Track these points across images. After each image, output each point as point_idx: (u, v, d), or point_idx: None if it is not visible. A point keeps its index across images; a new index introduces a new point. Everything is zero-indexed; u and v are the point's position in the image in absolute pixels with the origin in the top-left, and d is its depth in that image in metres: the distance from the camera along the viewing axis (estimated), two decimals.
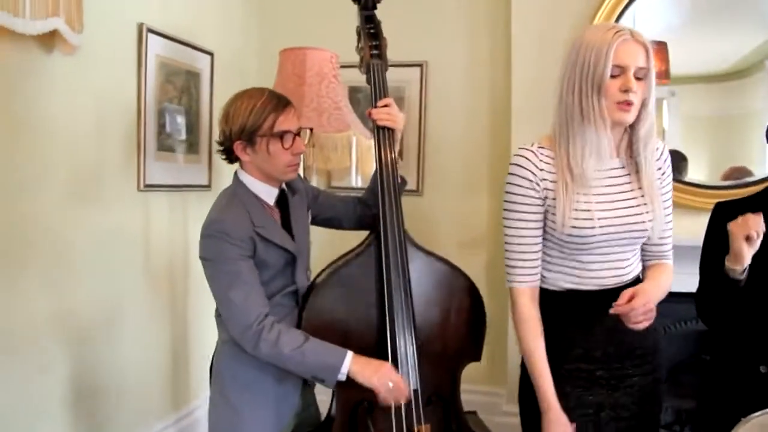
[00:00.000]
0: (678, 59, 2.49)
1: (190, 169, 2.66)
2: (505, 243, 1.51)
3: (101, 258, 2.21)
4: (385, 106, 1.71)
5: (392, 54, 2.90)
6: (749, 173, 2.44)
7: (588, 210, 1.43)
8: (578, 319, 1.50)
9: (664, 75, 2.52)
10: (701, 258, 1.75)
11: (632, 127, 1.46)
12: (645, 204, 1.46)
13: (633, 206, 1.46)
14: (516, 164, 1.47)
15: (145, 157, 2.38)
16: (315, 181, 2.58)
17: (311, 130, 1.83)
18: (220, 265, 1.54)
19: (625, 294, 1.36)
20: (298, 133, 1.64)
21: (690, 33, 2.52)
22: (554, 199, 1.45)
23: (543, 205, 1.47)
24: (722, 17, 2.45)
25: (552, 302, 1.52)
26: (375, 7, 1.78)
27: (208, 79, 2.75)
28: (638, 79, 1.39)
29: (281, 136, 1.58)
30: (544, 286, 1.52)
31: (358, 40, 1.79)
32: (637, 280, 1.53)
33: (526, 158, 1.47)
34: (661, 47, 2.53)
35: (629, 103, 1.39)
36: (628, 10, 2.54)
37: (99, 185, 2.21)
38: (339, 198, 1.95)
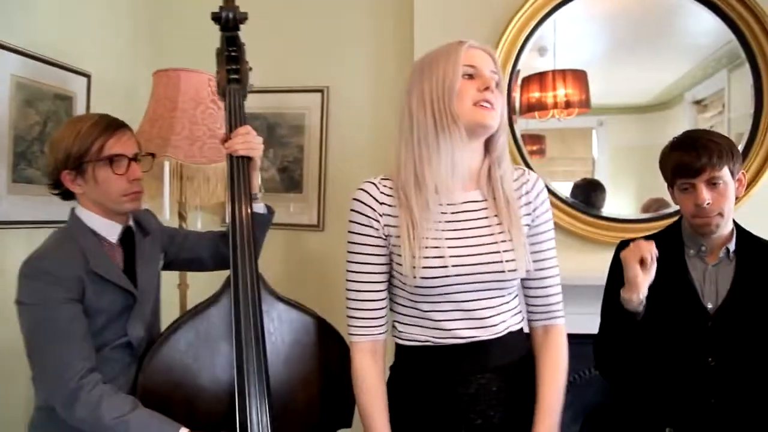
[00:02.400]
0: (604, 89, 2.47)
1: (56, 203, 2.37)
2: (345, 289, 1.31)
3: None
4: (242, 135, 1.52)
5: (292, 79, 2.75)
6: (666, 204, 2.38)
7: (438, 247, 1.24)
8: (443, 380, 1.29)
9: (585, 103, 2.49)
10: (603, 299, 1.61)
11: (492, 141, 1.29)
12: (503, 236, 1.27)
13: (489, 245, 1.27)
14: (355, 199, 1.30)
15: None
16: (199, 219, 2.34)
17: (153, 155, 1.66)
18: (37, 310, 1.34)
19: None
20: (134, 158, 1.46)
21: (614, 63, 2.50)
22: (398, 237, 1.25)
23: (386, 246, 1.28)
24: (643, 50, 2.45)
25: (409, 359, 1.31)
26: (238, 28, 1.61)
27: (83, 103, 2.48)
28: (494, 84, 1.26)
29: (111, 160, 1.42)
30: (398, 340, 1.32)
31: (217, 64, 1.63)
32: (517, 336, 1.33)
33: (366, 191, 1.30)
34: (581, 75, 2.49)
35: (489, 103, 1.24)
36: (534, 34, 2.45)
37: None
38: (200, 236, 1.76)
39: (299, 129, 2.73)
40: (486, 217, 1.30)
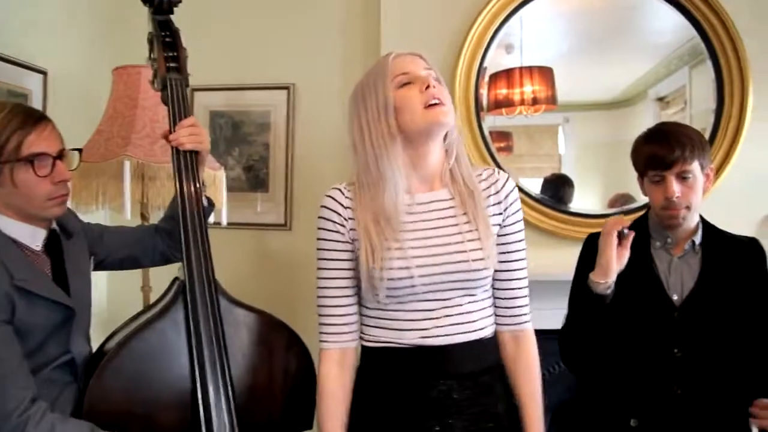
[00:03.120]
0: (570, 86, 2.48)
1: None
2: (316, 296, 1.29)
3: None
4: (188, 127, 1.44)
5: (257, 76, 2.71)
6: (632, 199, 2.40)
7: (401, 248, 1.22)
8: (405, 384, 1.26)
9: (551, 100, 2.50)
10: (570, 292, 1.61)
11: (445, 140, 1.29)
12: (471, 234, 1.25)
13: (455, 244, 1.25)
14: (322, 205, 1.28)
15: None
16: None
17: (80, 150, 1.48)
18: None
19: None
20: (59, 156, 1.30)
21: (580, 61, 2.52)
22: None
23: (353, 250, 1.26)
24: (608, 47, 2.48)
25: (374, 361, 1.29)
26: (171, 11, 1.51)
27: (39, 101, 2.39)
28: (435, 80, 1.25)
29: (32, 161, 1.25)
30: (363, 342, 1.30)
31: (151, 50, 1.52)
32: (486, 343, 1.31)
33: (332, 197, 1.28)
34: (547, 72, 2.50)
35: (438, 101, 1.22)
36: (501, 31, 2.45)
37: None
38: (131, 232, 1.64)
39: (265, 127, 2.68)
40: (454, 216, 1.28)
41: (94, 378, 1.28)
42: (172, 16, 1.53)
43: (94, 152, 2.02)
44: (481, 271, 1.25)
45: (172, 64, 1.48)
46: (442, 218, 1.28)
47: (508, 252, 1.33)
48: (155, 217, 2.24)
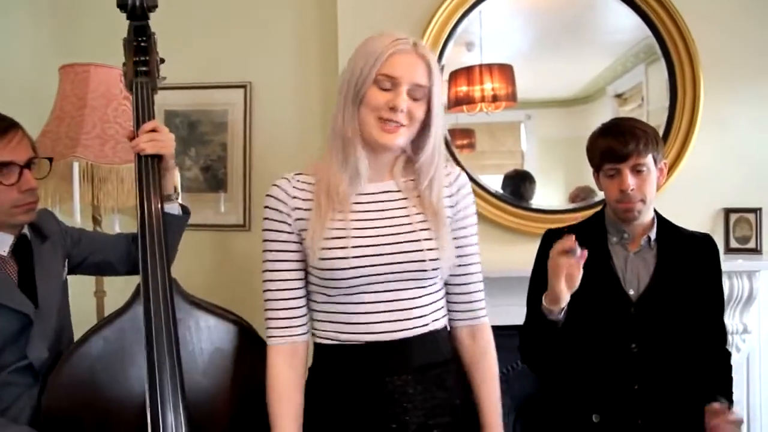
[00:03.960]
0: (531, 84, 2.50)
1: None
2: (262, 291, 1.27)
3: None
4: (151, 131, 1.41)
5: (213, 75, 2.65)
6: (593, 193, 2.43)
7: (344, 238, 1.20)
8: (358, 381, 1.24)
9: (511, 97, 2.52)
10: (528, 292, 1.61)
11: (414, 153, 1.27)
12: (426, 230, 1.24)
13: (406, 234, 1.23)
14: (267, 195, 1.26)
15: None
16: (117, 222, 2.21)
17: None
18: None
19: None
20: (27, 165, 1.32)
21: (540, 58, 2.53)
22: (306, 230, 1.22)
23: (299, 241, 1.24)
24: (567, 45, 2.49)
25: (326, 359, 1.27)
26: (147, 17, 1.50)
27: None
28: (415, 99, 1.20)
29: None
30: (316, 339, 1.28)
31: (125, 55, 1.51)
32: (439, 335, 1.30)
33: (278, 186, 1.26)
34: (507, 70, 2.51)
35: (394, 124, 1.19)
36: (460, 27, 2.45)
37: None
38: (109, 238, 1.64)
39: (222, 126, 2.63)
40: (404, 207, 1.27)
41: (50, 378, 1.30)
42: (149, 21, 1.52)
43: (40, 154, 1.95)
44: (435, 262, 1.23)
45: (141, 68, 1.48)
46: (392, 209, 1.26)
47: (462, 246, 1.32)
48: (107, 219, 2.19)
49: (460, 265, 1.31)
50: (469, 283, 1.33)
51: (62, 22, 2.70)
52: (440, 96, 1.26)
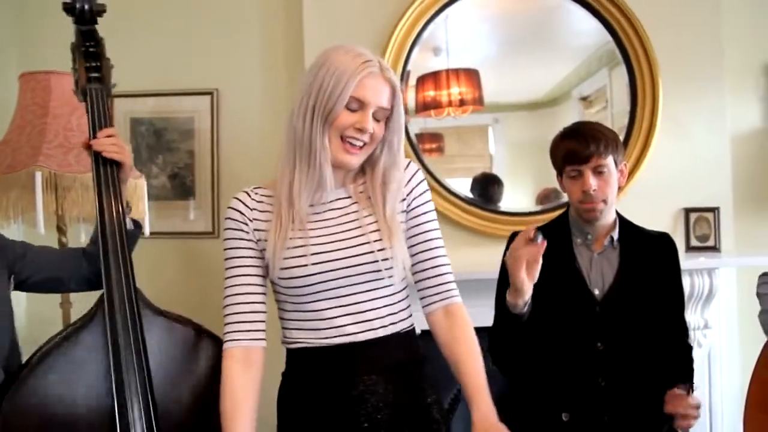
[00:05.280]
0: (498, 88, 2.53)
1: None
2: (222, 297, 1.29)
3: None
4: (110, 136, 1.42)
5: (179, 82, 2.62)
6: (560, 194, 2.46)
7: (303, 246, 1.24)
8: (329, 382, 1.27)
9: (478, 101, 2.54)
10: (496, 294, 1.63)
11: (372, 168, 1.31)
12: (376, 231, 1.27)
13: (357, 237, 1.26)
14: (229, 207, 1.30)
15: None
16: (82, 231, 2.16)
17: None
18: None
19: None
20: None
21: (506, 63, 2.58)
22: (266, 241, 1.26)
23: (257, 249, 1.28)
24: (532, 49, 2.54)
25: (297, 363, 1.30)
26: (95, 21, 1.49)
27: None
28: (377, 120, 1.25)
29: None
30: (286, 345, 1.30)
31: (73, 60, 1.50)
32: (405, 336, 1.32)
33: (238, 199, 1.31)
34: (473, 74, 2.54)
35: (357, 144, 1.24)
36: (426, 32, 2.47)
37: None
38: (58, 253, 1.61)
39: (189, 133, 2.61)
40: (355, 211, 1.30)
41: (7, 397, 1.25)
42: (96, 26, 1.51)
43: (0, 163, 1.91)
44: (388, 261, 1.25)
45: (93, 74, 1.47)
46: (345, 214, 1.30)
47: (424, 232, 1.34)
48: (73, 229, 2.15)
49: (425, 250, 1.34)
50: (438, 266, 1.34)
51: (23, 31, 2.65)
52: (402, 114, 1.29)
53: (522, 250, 1.39)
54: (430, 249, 1.34)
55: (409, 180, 1.35)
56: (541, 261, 1.39)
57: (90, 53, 1.47)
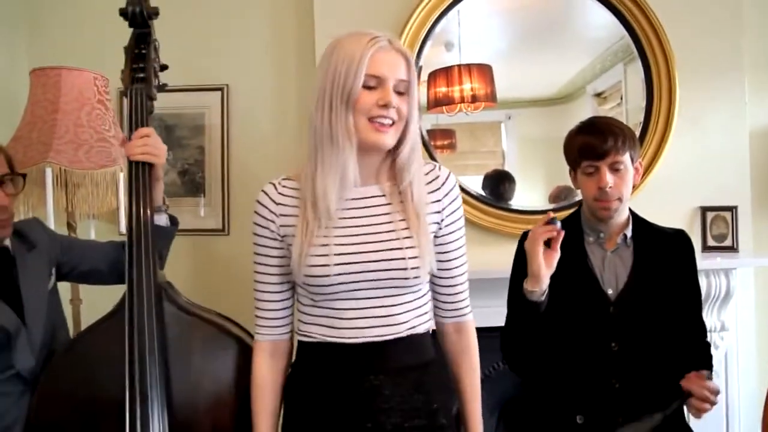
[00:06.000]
0: (511, 83, 2.50)
1: None
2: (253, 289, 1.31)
3: None
4: (143, 137, 1.43)
5: (189, 77, 2.62)
6: (573, 192, 2.44)
7: (326, 246, 1.22)
8: (336, 378, 1.26)
9: (490, 97, 2.52)
10: (509, 291, 1.61)
11: (395, 150, 1.26)
12: (408, 238, 1.24)
13: (389, 241, 1.24)
14: (257, 200, 1.29)
15: None
16: (92, 228, 2.18)
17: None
18: None
19: None
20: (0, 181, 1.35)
21: (519, 58, 2.55)
22: (293, 236, 1.24)
23: (283, 248, 1.27)
24: (545, 44, 2.51)
25: (308, 356, 1.30)
26: (147, 24, 1.52)
27: None
28: (399, 93, 1.21)
29: None
30: (299, 337, 1.30)
31: (125, 62, 1.53)
32: (419, 338, 1.30)
33: (265, 193, 1.29)
34: (486, 70, 2.51)
35: (386, 123, 1.20)
36: (438, 26, 2.45)
37: None
38: (99, 246, 1.65)
39: (199, 129, 2.61)
40: (388, 213, 1.27)
41: (39, 386, 1.34)
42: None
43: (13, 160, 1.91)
44: (416, 270, 1.24)
45: (139, 75, 1.50)
46: (376, 215, 1.26)
47: (449, 251, 1.33)
48: (82, 226, 2.15)
49: (446, 268, 1.33)
50: (455, 285, 1.35)
51: (33, 27, 2.65)
52: (416, 91, 1.27)
53: (539, 230, 1.41)
54: (454, 268, 1.34)
55: (447, 193, 1.32)
56: (559, 251, 1.41)
57: (139, 55, 1.50)
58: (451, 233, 1.33)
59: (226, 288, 2.54)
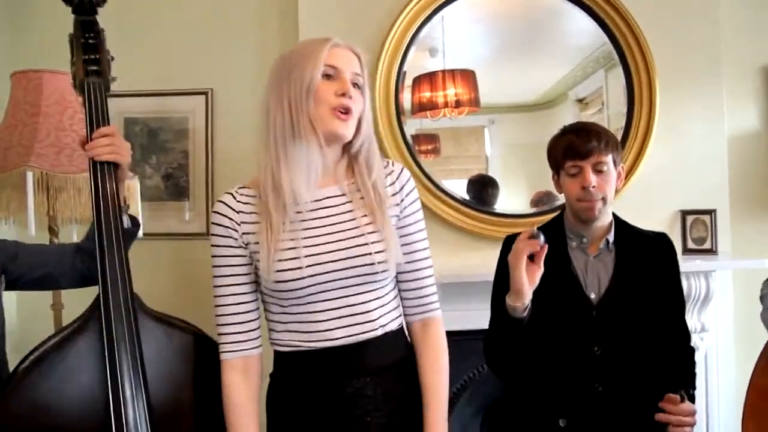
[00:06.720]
0: (494, 89, 2.53)
1: None
2: (213, 306, 1.26)
3: None
4: (106, 136, 1.36)
5: (173, 81, 2.61)
6: (555, 197, 2.46)
7: (295, 248, 1.21)
8: (318, 386, 1.25)
9: (474, 102, 2.54)
10: (492, 296, 1.62)
11: (350, 146, 1.28)
12: (373, 233, 1.25)
13: (354, 238, 1.24)
14: (213, 211, 1.26)
15: None
16: (75, 232, 2.14)
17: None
18: None
19: None
20: None
21: (502, 64, 2.57)
22: (257, 243, 1.22)
23: (247, 255, 1.25)
24: (528, 50, 2.53)
25: (286, 366, 1.27)
26: (95, 12, 1.44)
27: None
28: (355, 86, 1.25)
29: None
30: (275, 347, 1.28)
31: (72, 53, 1.45)
32: (394, 336, 1.31)
33: (223, 202, 1.27)
34: (469, 75, 2.53)
35: (346, 110, 1.22)
36: (422, 32, 2.46)
37: None
38: (50, 251, 1.57)
39: (183, 133, 2.59)
40: (350, 211, 1.28)
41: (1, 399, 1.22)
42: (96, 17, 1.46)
43: None
44: (384, 264, 1.24)
45: (92, 68, 1.41)
46: (338, 214, 1.27)
47: (411, 242, 1.33)
48: (65, 230, 2.12)
49: (409, 261, 1.33)
50: (420, 279, 1.34)
51: (15, 30, 2.62)
52: (368, 92, 1.30)
53: (522, 243, 1.40)
54: (416, 260, 1.34)
55: (403, 186, 1.33)
56: (542, 267, 1.39)
57: (89, 45, 1.41)
58: (411, 224, 1.34)
59: (210, 292, 2.53)
